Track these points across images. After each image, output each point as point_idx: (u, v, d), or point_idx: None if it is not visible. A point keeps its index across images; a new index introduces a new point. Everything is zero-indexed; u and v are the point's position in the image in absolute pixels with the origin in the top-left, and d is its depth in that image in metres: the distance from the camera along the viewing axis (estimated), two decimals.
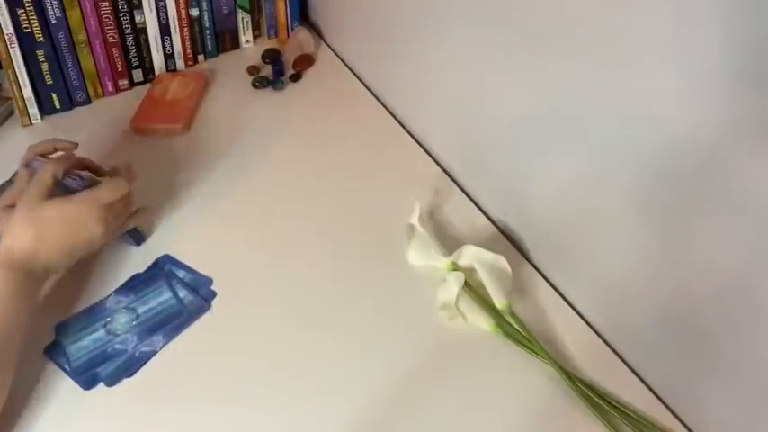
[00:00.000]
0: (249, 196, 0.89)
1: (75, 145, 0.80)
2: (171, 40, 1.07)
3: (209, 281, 0.79)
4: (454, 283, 0.72)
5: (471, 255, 0.75)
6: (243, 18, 1.13)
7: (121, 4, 0.99)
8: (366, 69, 1.09)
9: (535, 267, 0.82)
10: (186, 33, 1.07)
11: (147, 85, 1.07)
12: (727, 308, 0.59)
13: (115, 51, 1.03)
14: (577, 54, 0.65)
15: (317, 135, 0.99)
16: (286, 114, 1.03)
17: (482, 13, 0.77)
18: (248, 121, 1.02)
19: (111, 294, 0.77)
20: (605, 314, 0.75)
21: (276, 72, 1.09)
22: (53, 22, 0.95)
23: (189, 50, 1.09)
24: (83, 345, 0.72)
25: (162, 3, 1.02)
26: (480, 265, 0.74)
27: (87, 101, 1.04)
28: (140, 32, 1.03)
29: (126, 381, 0.70)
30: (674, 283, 0.64)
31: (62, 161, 0.75)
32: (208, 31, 1.10)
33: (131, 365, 0.71)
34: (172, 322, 0.75)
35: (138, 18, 1.01)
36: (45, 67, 0.98)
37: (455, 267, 0.76)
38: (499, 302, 0.74)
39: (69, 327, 0.74)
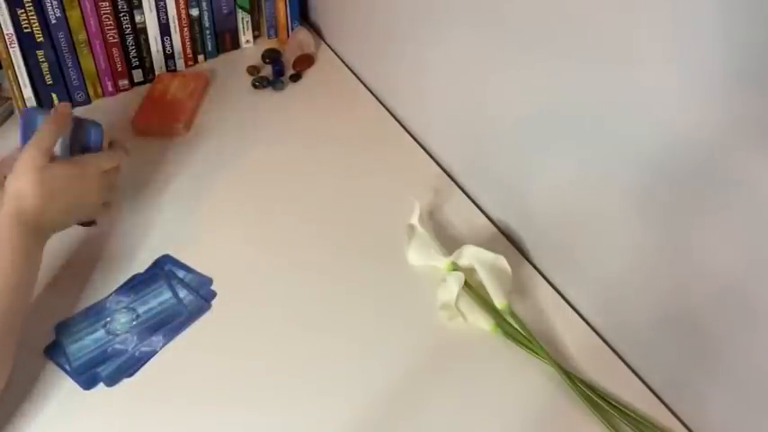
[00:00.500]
0: (249, 196, 0.89)
1: (71, 106, 0.78)
2: (171, 40, 1.06)
3: (209, 281, 0.79)
4: (454, 283, 0.72)
5: (471, 255, 0.75)
6: (243, 18, 1.13)
7: (121, 4, 0.99)
8: (366, 69, 1.09)
9: (535, 267, 0.82)
10: (186, 33, 1.07)
11: (148, 85, 1.07)
12: (727, 308, 0.59)
13: (115, 51, 1.03)
14: (577, 54, 0.65)
15: (317, 135, 0.99)
16: (286, 114, 1.03)
17: (482, 13, 0.76)
18: (248, 121, 1.02)
19: (111, 294, 0.77)
20: (605, 314, 0.75)
21: (276, 72, 1.09)
22: (53, 22, 0.95)
23: (189, 50, 1.09)
24: (83, 345, 0.72)
25: (162, 3, 1.02)
26: (480, 265, 0.74)
27: (87, 101, 1.04)
28: (140, 32, 1.03)
29: (126, 381, 0.70)
30: (674, 283, 0.64)
31: (64, 119, 0.73)
32: (208, 31, 1.10)
33: (131, 365, 0.71)
34: (172, 322, 0.75)
35: (138, 18, 1.01)
36: (45, 67, 0.98)
37: (455, 267, 0.76)
38: (499, 302, 0.74)
39: (69, 327, 0.74)
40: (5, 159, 0.80)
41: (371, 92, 1.07)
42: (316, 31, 1.19)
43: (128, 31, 1.02)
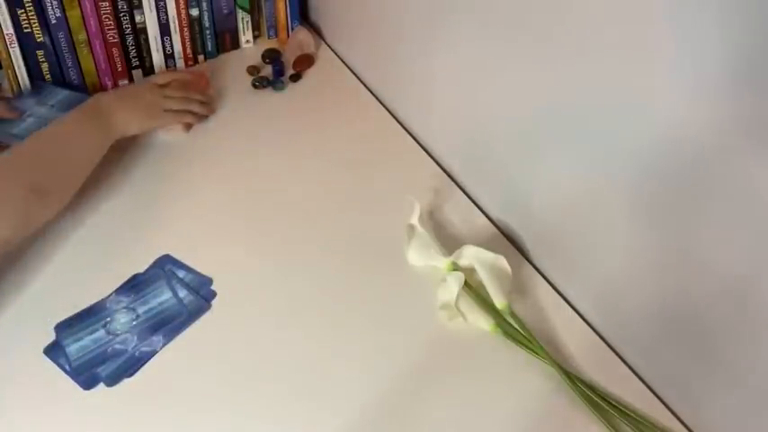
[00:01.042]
0: (249, 196, 0.89)
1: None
2: (171, 40, 1.06)
3: (209, 281, 0.79)
4: (454, 283, 0.72)
5: (471, 255, 0.75)
6: (243, 18, 1.13)
7: (121, 4, 0.99)
8: (366, 69, 1.09)
9: (535, 267, 0.82)
10: (186, 33, 1.07)
11: None
12: (727, 308, 0.59)
13: (115, 51, 1.03)
14: (577, 55, 0.65)
15: (316, 135, 0.99)
16: (286, 114, 1.03)
17: (482, 13, 0.76)
18: (248, 121, 1.01)
19: (111, 294, 0.77)
20: (605, 314, 0.75)
21: (276, 72, 1.09)
22: (53, 22, 0.95)
23: (189, 50, 1.09)
24: (83, 345, 0.72)
25: (162, 3, 1.02)
26: (480, 265, 0.74)
27: None
28: (140, 32, 1.03)
29: (126, 381, 0.70)
30: (675, 283, 0.64)
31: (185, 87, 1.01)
32: (208, 31, 1.10)
33: (131, 365, 0.71)
34: (172, 322, 0.75)
35: (138, 18, 1.01)
36: (45, 67, 0.98)
37: (455, 267, 0.76)
38: (499, 302, 0.74)
39: (69, 327, 0.74)
40: None
41: (371, 92, 1.07)
42: (316, 31, 1.19)
43: (128, 31, 1.02)
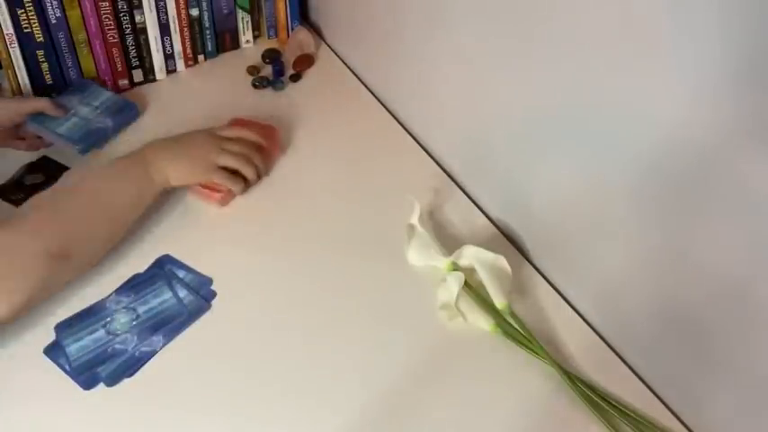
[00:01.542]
0: (249, 196, 0.89)
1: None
2: (171, 40, 1.06)
3: (209, 281, 0.79)
4: (454, 283, 0.72)
5: (471, 255, 0.75)
6: (243, 18, 1.13)
7: (121, 4, 0.99)
8: (366, 69, 1.09)
9: (535, 267, 0.82)
10: (186, 33, 1.07)
11: (147, 85, 1.07)
12: (727, 308, 0.59)
13: (115, 51, 1.03)
14: (577, 55, 0.65)
15: (316, 135, 0.99)
16: (286, 114, 1.03)
17: (483, 13, 0.76)
18: None
19: (111, 294, 0.77)
20: (605, 314, 0.75)
21: (276, 72, 1.09)
22: (53, 22, 0.95)
23: (189, 50, 1.09)
24: (83, 345, 0.72)
25: (162, 3, 1.02)
26: (480, 265, 0.74)
27: None
28: (140, 32, 1.03)
29: (126, 381, 0.70)
30: (674, 283, 0.64)
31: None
32: (208, 31, 1.10)
33: (131, 365, 0.71)
34: (172, 322, 0.75)
35: (138, 18, 1.01)
36: (45, 67, 0.98)
37: (455, 267, 0.76)
38: (499, 302, 0.74)
39: (69, 327, 0.74)
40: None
41: (371, 92, 1.07)
42: (316, 31, 1.19)
43: (128, 31, 1.02)
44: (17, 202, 0.87)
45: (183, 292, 0.77)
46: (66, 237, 0.72)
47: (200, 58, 1.12)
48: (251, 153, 0.88)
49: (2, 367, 0.70)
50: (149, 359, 0.72)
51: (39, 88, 0.99)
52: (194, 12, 1.06)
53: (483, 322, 0.74)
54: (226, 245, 0.83)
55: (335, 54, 1.15)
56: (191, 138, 0.87)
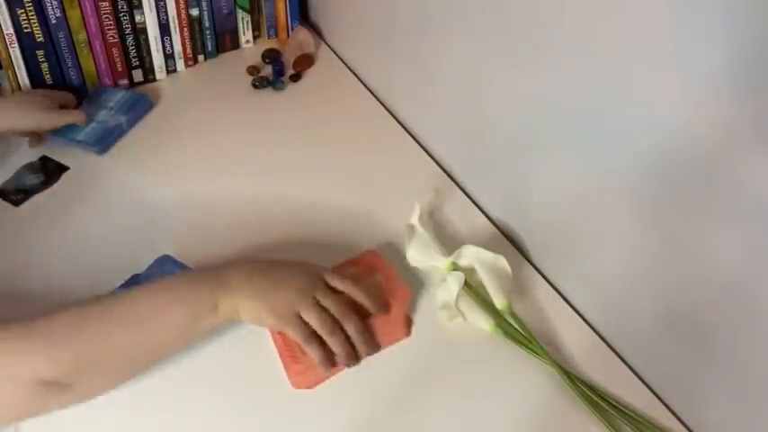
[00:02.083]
0: (249, 196, 0.89)
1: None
2: (171, 40, 1.06)
3: None
4: (454, 283, 0.72)
5: (471, 255, 0.75)
6: (243, 18, 1.13)
7: (121, 4, 0.99)
8: (366, 69, 1.09)
9: (535, 267, 0.82)
10: (186, 33, 1.07)
11: (147, 85, 1.07)
12: (727, 308, 0.59)
13: (115, 51, 1.03)
14: (578, 55, 0.65)
15: (317, 135, 0.99)
16: (286, 114, 1.03)
17: (483, 13, 0.76)
18: (248, 121, 1.02)
19: None
20: (605, 314, 0.75)
21: (276, 72, 1.09)
22: (53, 22, 0.95)
23: (189, 50, 1.09)
24: None
25: (162, 3, 1.02)
26: (480, 265, 0.74)
27: None
28: (140, 32, 1.03)
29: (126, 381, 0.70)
30: (675, 282, 0.64)
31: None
32: (208, 31, 1.10)
33: None
34: None
35: (138, 18, 1.01)
36: (45, 67, 0.98)
37: (455, 267, 0.76)
38: (499, 302, 0.74)
39: None
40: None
41: (371, 92, 1.07)
42: (316, 31, 1.19)
43: (128, 31, 1.02)
44: (17, 203, 0.87)
45: None
46: (75, 366, 0.59)
47: (200, 58, 1.12)
48: (347, 318, 0.65)
49: None
50: None
51: (38, 88, 0.99)
52: (194, 12, 1.06)
53: (483, 322, 0.74)
54: (226, 245, 0.83)
55: (335, 54, 1.15)
56: (288, 272, 0.67)
